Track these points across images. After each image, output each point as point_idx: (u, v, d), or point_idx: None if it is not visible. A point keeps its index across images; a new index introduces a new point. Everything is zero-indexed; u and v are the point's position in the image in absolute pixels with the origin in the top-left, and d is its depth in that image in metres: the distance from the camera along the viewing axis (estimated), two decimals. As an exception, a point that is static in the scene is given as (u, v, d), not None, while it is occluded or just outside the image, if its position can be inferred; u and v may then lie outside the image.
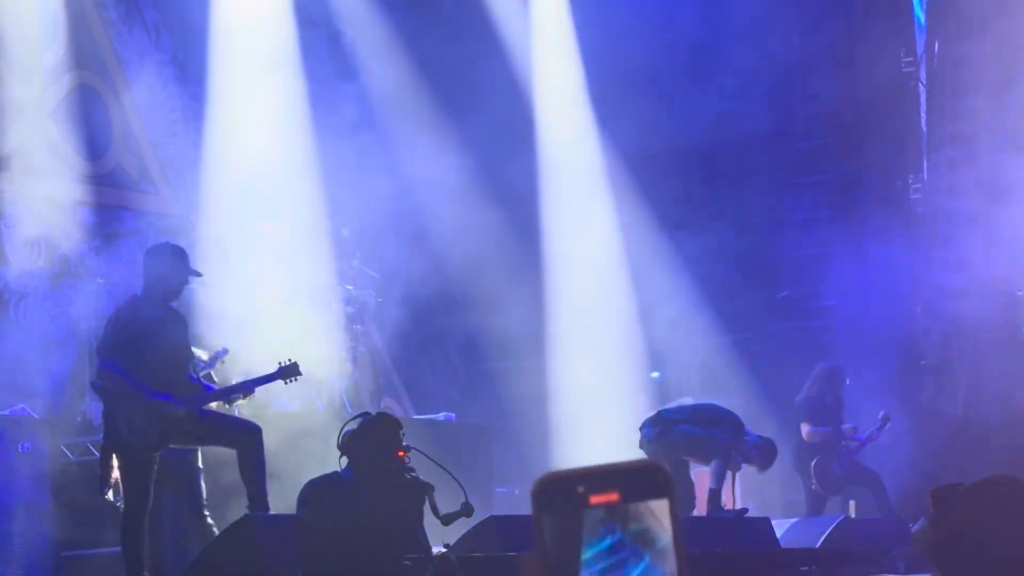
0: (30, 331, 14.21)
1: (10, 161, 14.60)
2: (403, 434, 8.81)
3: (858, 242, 17.69)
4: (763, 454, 13.20)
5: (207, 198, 15.42)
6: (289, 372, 10.45)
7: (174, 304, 10.34)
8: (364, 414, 9.46)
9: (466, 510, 8.97)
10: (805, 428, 14.61)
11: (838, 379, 14.84)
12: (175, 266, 10.19)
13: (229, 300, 13.95)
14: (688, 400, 14.52)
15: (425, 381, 19.02)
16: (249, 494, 10.10)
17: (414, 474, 8.84)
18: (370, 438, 8.79)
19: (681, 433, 12.98)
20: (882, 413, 14.92)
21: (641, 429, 13.26)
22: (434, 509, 8.73)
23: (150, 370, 9.88)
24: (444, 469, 9.23)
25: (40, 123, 14.87)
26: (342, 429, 9.07)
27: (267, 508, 10.10)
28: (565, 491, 2.40)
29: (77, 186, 15.17)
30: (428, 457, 9.18)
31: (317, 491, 8.75)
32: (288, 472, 12.54)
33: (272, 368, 10.52)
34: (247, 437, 10.18)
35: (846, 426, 14.74)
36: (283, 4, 16.52)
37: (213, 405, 10.47)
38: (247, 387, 10.44)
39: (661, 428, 13.06)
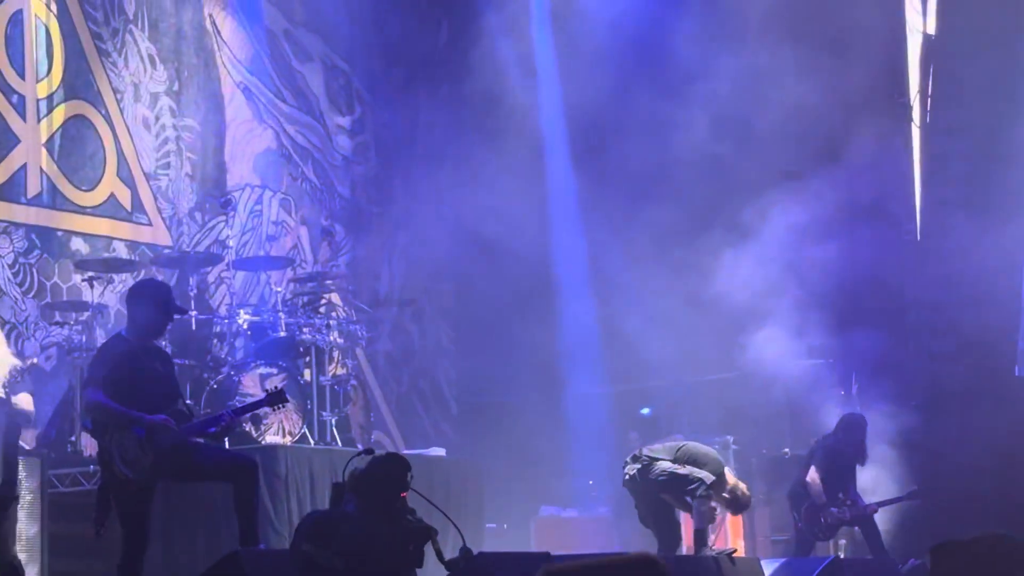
0: (20, 362, 14.17)
1: (3, 190, 14.58)
2: (411, 477, 8.77)
3: (849, 280, 17.69)
4: (735, 502, 13.23)
5: (199, 230, 15.40)
6: (276, 399, 10.43)
7: (159, 342, 10.31)
8: (368, 450, 9.43)
9: (466, 556, 8.94)
10: (814, 474, 14.68)
11: (860, 429, 14.93)
12: (159, 304, 10.15)
13: (219, 334, 13.93)
14: (679, 437, 14.52)
15: (415, 416, 18.99)
16: (241, 528, 10.07)
17: (418, 516, 8.80)
18: (380, 477, 8.74)
19: (659, 471, 13.00)
20: (913, 488, 15.14)
21: (624, 467, 13.29)
22: (439, 554, 8.69)
23: (135, 404, 9.82)
24: (445, 515, 9.21)
25: (34, 153, 14.86)
26: (347, 465, 9.03)
27: (258, 542, 10.07)
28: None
29: (70, 216, 15.15)
30: (429, 501, 9.16)
31: (323, 526, 8.68)
32: (279, 506, 12.52)
33: (260, 395, 10.51)
34: (244, 470, 10.15)
35: (848, 502, 14.83)
36: (276, 34, 16.55)
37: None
38: (234, 414, 10.35)
39: (642, 466, 13.09)
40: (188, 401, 11.46)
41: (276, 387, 10.53)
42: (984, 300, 16.43)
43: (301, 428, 13.90)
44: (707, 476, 12.86)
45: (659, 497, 13.07)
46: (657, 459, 13.07)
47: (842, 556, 15.01)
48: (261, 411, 10.71)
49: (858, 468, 15.01)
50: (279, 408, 10.65)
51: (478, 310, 18.24)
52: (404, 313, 18.72)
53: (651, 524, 13.16)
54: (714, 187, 17.39)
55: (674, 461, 13.02)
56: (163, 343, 11.04)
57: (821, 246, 17.37)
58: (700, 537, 12.89)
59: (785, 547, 15.51)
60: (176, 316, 10.32)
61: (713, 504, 13.03)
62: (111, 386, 9.80)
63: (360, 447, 14.59)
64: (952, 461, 16.30)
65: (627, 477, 13.17)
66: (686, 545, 13.77)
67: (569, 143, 18.66)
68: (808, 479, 14.66)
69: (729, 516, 14.91)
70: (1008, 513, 15.19)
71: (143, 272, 14.77)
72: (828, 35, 17.55)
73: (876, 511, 14.98)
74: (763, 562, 12.85)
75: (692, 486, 12.86)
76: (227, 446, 11.65)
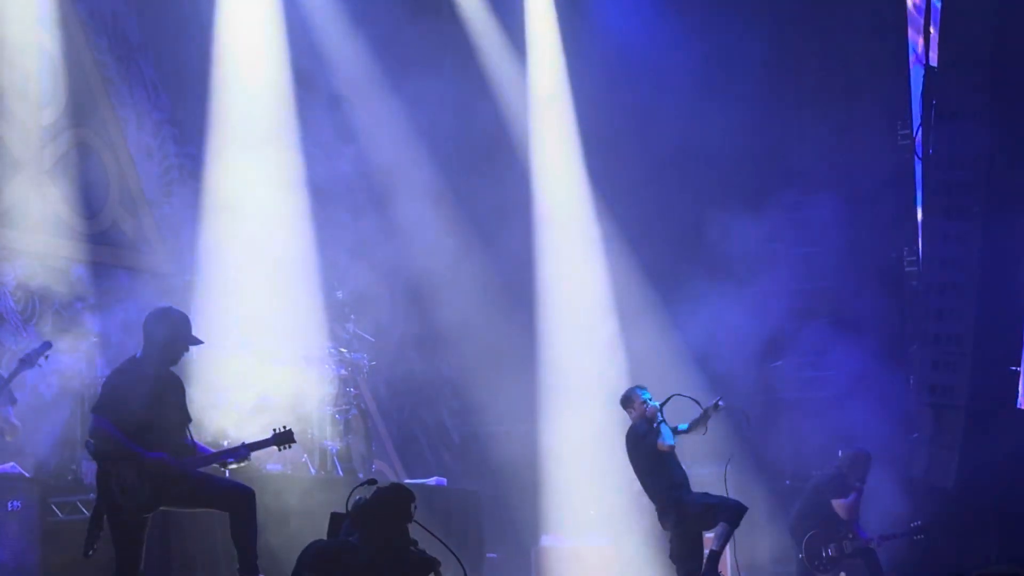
0: (21, 388, 14.16)
1: (6, 217, 14.59)
2: (415, 507, 8.74)
3: (850, 313, 17.72)
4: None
5: (202, 258, 15.42)
6: (283, 439, 10.43)
7: (172, 368, 10.30)
8: (371, 481, 9.40)
9: (467, 587, 8.92)
10: (839, 504, 14.75)
11: (865, 464, 14.99)
12: (177, 332, 10.14)
13: (223, 362, 13.93)
14: None
15: (417, 445, 18.97)
16: (239, 557, 10.05)
17: (420, 547, 8.76)
18: (384, 508, 8.70)
19: (692, 502, 13.01)
20: (915, 524, 15.15)
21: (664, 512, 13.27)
22: None
23: (146, 432, 9.81)
24: (446, 546, 9.17)
25: (37, 180, 14.88)
26: (351, 495, 9.00)
27: (256, 571, 10.04)
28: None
29: (72, 244, 15.16)
30: (431, 533, 9.12)
31: (326, 556, 8.64)
32: (278, 535, 12.49)
33: (267, 433, 10.49)
34: (241, 500, 10.13)
35: (849, 535, 14.86)
36: (282, 67, 16.58)
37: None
38: (241, 452, 10.32)
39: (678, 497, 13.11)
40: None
41: (284, 427, 10.52)
42: (984, 333, 16.41)
43: (302, 457, 13.90)
44: (735, 504, 12.82)
45: (697, 532, 13.03)
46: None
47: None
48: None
49: (859, 502, 15.01)
50: (285, 447, 10.53)
51: (480, 340, 18.22)
52: (406, 341, 18.72)
53: (676, 554, 13.06)
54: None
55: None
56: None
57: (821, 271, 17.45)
58: (714, 558, 12.86)
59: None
60: (192, 345, 10.30)
61: None
62: (119, 413, 9.78)
63: (361, 476, 14.60)
64: (955, 495, 16.28)
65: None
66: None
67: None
68: (838, 511, 14.76)
69: (729, 547, 14.89)
70: (1012, 547, 15.19)
71: (144, 300, 14.77)
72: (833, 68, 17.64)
73: (878, 545, 14.97)
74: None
75: (722, 515, 12.82)
76: (227, 475, 11.64)
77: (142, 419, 9.82)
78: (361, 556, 8.59)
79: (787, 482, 16.98)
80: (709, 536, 13.14)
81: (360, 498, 8.86)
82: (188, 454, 10.08)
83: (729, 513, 12.69)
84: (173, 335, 10.12)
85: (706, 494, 12.93)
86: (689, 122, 17.96)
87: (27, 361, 11.44)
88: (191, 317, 13.91)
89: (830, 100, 18.34)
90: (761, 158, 18.20)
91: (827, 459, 15.92)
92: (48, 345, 11.02)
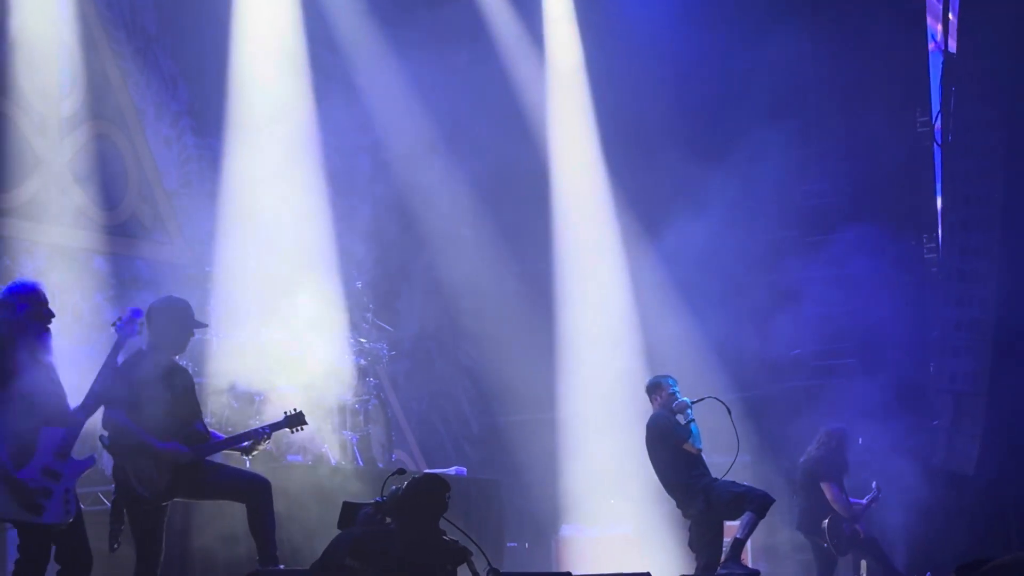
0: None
1: (26, 210, 14.63)
2: (449, 497, 8.80)
3: (870, 301, 17.68)
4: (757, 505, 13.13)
5: (221, 249, 15.43)
6: (295, 421, 10.49)
7: (179, 358, 10.34)
8: (400, 471, 9.45)
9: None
10: (829, 488, 14.50)
11: (848, 441, 14.81)
12: (180, 320, 10.21)
13: (242, 353, 13.95)
14: None
15: (436, 435, 18.99)
16: (259, 549, 10.08)
17: (451, 537, 8.81)
18: (423, 498, 8.76)
19: (720, 491, 12.93)
20: (875, 483, 14.94)
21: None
22: (475, 575, 8.70)
23: (156, 421, 9.88)
24: (469, 537, 9.20)
25: (57, 172, 14.91)
26: (385, 484, 9.04)
27: (277, 562, 10.07)
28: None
29: (92, 235, 15.19)
30: (453, 524, 9.15)
31: (368, 543, 8.68)
32: (299, 525, 12.52)
33: (279, 417, 10.54)
34: (257, 490, 10.17)
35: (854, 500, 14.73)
36: (299, 56, 16.59)
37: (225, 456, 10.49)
38: (256, 434, 10.36)
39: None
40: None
41: (295, 409, 10.59)
42: (1005, 320, 16.38)
43: (323, 447, 13.92)
44: (760, 494, 12.77)
45: (717, 521, 12.98)
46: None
47: (863, 576, 14.95)
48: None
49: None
50: (297, 429, 10.61)
51: (498, 329, 18.23)
52: (425, 331, 18.74)
53: (696, 545, 13.02)
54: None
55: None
56: (184, 360, 11.06)
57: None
58: (738, 547, 12.82)
59: (808, 567, 15.41)
60: (196, 329, 10.37)
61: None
62: (131, 405, 9.84)
63: (381, 466, 14.63)
64: (976, 482, 16.25)
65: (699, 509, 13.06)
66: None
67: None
68: (828, 497, 14.54)
69: (751, 539, 14.88)
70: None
71: (164, 291, 14.80)
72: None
73: (866, 507, 14.79)
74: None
75: (749, 504, 12.78)
76: (248, 466, 11.66)
77: (154, 409, 9.88)
78: (399, 543, 8.65)
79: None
80: (731, 525, 13.10)
81: (395, 487, 8.90)
82: (201, 440, 10.12)
83: (756, 503, 12.65)
84: (177, 323, 10.18)
85: (733, 483, 12.89)
86: (708, 108, 17.95)
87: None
88: (210, 308, 14.05)
89: (849, 87, 18.27)
90: (778, 144, 18.14)
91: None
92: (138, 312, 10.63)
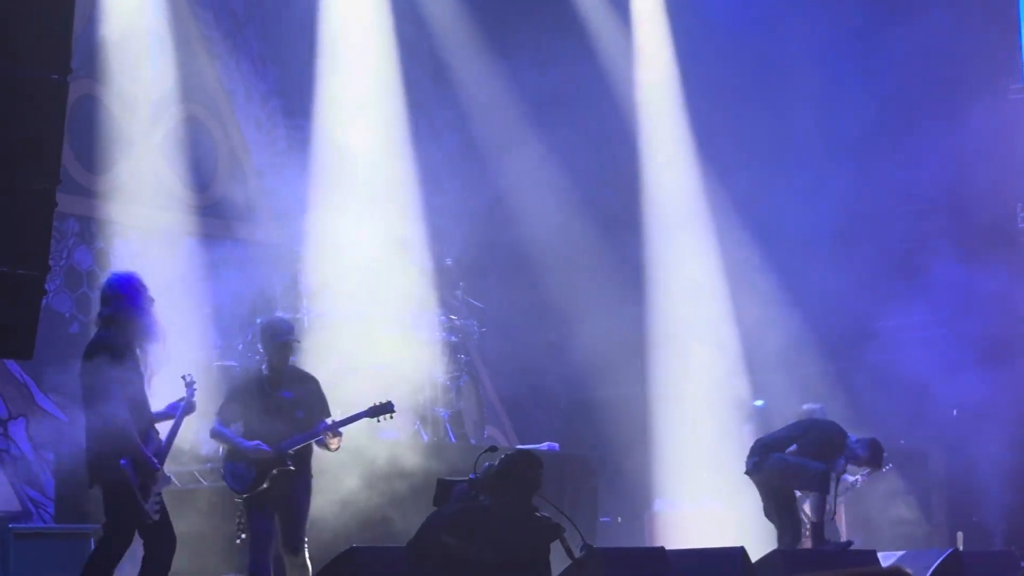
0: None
1: (119, 192, 14.78)
2: (542, 474, 8.87)
3: (962, 269, 17.49)
4: (870, 450, 12.97)
5: (311, 228, 15.51)
6: (380, 411, 11.19)
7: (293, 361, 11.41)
8: (493, 448, 9.52)
9: (590, 553, 8.94)
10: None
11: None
12: (270, 337, 11.22)
13: (333, 333, 14.02)
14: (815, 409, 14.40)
15: (527, 411, 19.01)
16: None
17: (544, 514, 8.85)
18: (517, 474, 8.81)
19: (774, 461, 12.89)
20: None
21: (746, 459, 13.20)
22: (569, 551, 8.71)
23: (250, 422, 10.95)
24: (563, 513, 9.23)
25: (148, 155, 15.05)
26: (477, 461, 9.10)
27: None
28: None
29: (183, 217, 15.33)
30: (551, 503, 9.20)
31: (466, 520, 8.74)
32: (392, 501, 12.60)
33: (365, 406, 11.19)
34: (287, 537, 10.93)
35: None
36: (386, 35, 16.61)
37: None
38: (336, 426, 10.98)
39: (758, 457, 13.00)
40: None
41: (381, 401, 11.17)
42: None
43: (415, 424, 13.98)
44: (818, 468, 12.70)
45: (779, 488, 12.96)
46: (772, 448, 12.98)
47: (960, 550, 14.81)
48: None
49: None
50: (383, 419, 11.29)
51: (586, 304, 18.20)
52: (513, 308, 18.74)
53: (774, 518, 13.04)
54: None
55: (783, 451, 12.90)
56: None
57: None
58: (817, 531, 12.77)
59: (906, 540, 15.31)
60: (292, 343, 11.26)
61: (843, 468, 12.93)
62: (226, 412, 11.07)
63: (473, 442, 14.67)
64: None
65: (747, 469, 13.10)
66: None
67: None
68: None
69: (843, 510, 14.81)
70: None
71: (254, 272, 14.90)
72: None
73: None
74: (880, 555, 12.71)
75: (807, 474, 12.74)
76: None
77: (249, 413, 10.96)
78: (493, 520, 8.68)
79: (901, 441, 16.79)
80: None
81: (488, 464, 8.94)
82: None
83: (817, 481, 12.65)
84: (263, 343, 11.35)
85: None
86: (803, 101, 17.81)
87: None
88: (301, 287, 14.14)
89: (940, 57, 18.05)
90: (865, 107, 17.93)
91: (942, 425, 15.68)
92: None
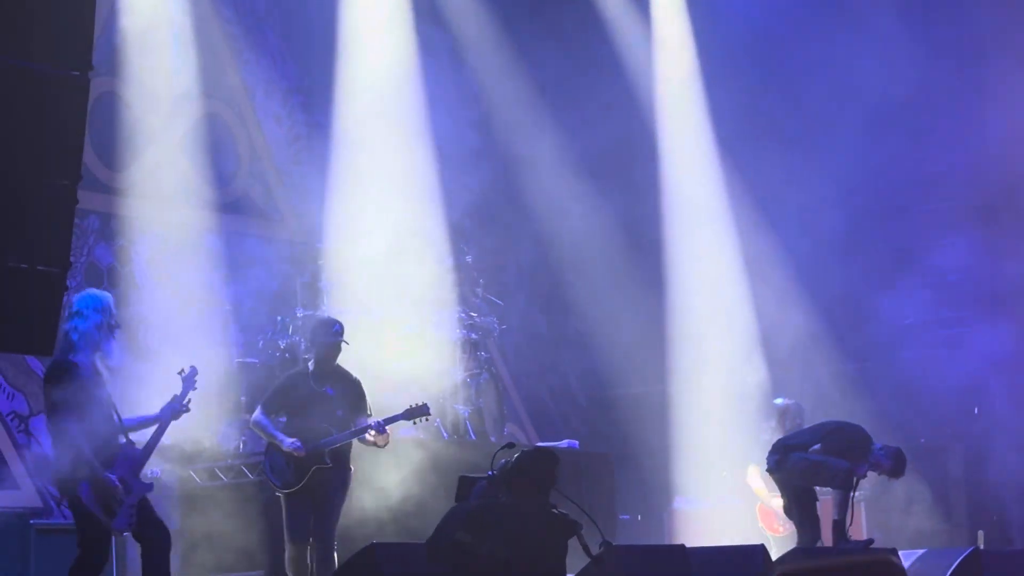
0: (156, 358, 14.37)
1: (139, 189, 14.80)
2: (559, 470, 8.86)
3: (992, 262, 17.40)
4: (893, 458, 12.92)
5: (332, 225, 15.52)
6: (416, 413, 11.64)
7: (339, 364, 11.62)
8: (510, 444, 9.51)
9: (609, 550, 8.92)
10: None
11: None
12: (315, 337, 11.73)
13: (352, 330, 14.02)
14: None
15: (546, 408, 19.00)
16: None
17: (561, 510, 8.83)
18: (533, 471, 8.81)
19: (796, 460, 12.85)
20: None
21: (767, 458, 13.17)
22: (586, 549, 8.69)
23: (292, 421, 11.40)
24: (582, 509, 9.22)
25: (168, 151, 15.06)
26: (494, 458, 9.09)
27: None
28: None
29: (204, 213, 15.34)
30: (570, 500, 9.17)
31: (483, 517, 8.72)
32: (411, 498, 12.61)
33: (400, 403, 11.64)
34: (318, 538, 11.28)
35: None
36: (407, 32, 16.60)
37: None
38: (376, 427, 11.31)
39: (780, 456, 12.96)
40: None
41: (418, 403, 11.67)
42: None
43: (435, 421, 13.97)
44: (841, 465, 12.67)
45: (802, 487, 12.94)
46: (793, 447, 12.95)
47: (982, 548, 14.76)
48: None
49: None
50: (419, 421, 11.77)
51: (607, 302, 18.18)
52: (532, 305, 18.74)
53: (794, 515, 13.01)
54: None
55: (806, 450, 12.87)
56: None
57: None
58: (838, 528, 12.73)
59: (927, 538, 15.25)
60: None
61: (864, 472, 12.88)
62: (269, 407, 11.49)
63: (493, 439, 14.66)
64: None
65: (767, 468, 13.09)
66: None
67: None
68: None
69: (863, 507, 14.76)
70: None
71: (275, 268, 14.91)
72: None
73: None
74: (901, 553, 12.66)
75: (830, 472, 12.71)
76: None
77: (293, 417, 11.39)
78: (510, 517, 8.67)
79: (921, 440, 16.76)
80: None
81: (505, 461, 8.93)
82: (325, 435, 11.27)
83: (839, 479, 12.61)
84: (312, 340, 11.81)
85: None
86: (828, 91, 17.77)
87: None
88: (321, 284, 14.15)
89: (963, 54, 17.96)
90: (887, 101, 17.83)
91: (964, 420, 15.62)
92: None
